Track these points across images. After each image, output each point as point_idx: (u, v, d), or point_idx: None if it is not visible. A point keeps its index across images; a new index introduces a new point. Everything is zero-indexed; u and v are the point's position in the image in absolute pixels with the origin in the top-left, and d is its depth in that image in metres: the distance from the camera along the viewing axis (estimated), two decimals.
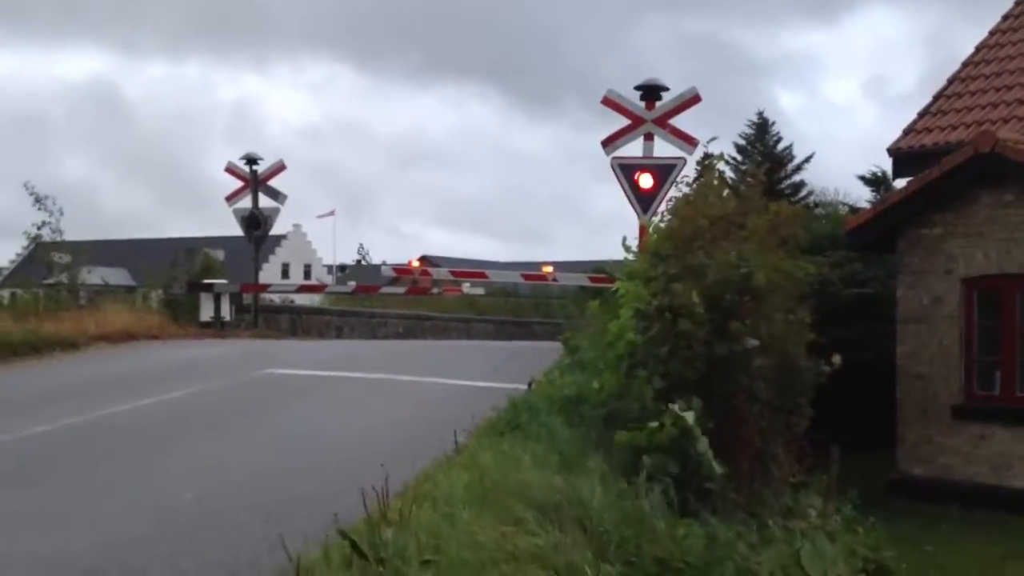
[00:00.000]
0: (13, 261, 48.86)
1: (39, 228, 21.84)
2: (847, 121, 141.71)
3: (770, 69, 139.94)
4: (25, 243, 24.82)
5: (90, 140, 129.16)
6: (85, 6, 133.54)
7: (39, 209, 21.48)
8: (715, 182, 10.16)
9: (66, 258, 22.68)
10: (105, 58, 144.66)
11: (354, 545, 4.47)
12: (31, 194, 21.36)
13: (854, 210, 22.03)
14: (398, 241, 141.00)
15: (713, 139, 12.14)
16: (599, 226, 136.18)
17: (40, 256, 24.23)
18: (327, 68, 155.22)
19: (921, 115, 16.61)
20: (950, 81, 16.93)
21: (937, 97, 16.77)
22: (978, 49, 17.25)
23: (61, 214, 21.71)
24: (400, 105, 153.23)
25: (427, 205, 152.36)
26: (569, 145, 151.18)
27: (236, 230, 24.01)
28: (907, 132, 16.45)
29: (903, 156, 16.25)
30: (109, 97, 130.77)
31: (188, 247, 25.67)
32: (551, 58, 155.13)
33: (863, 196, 28.84)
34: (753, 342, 7.94)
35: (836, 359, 8.79)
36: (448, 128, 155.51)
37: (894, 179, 18.44)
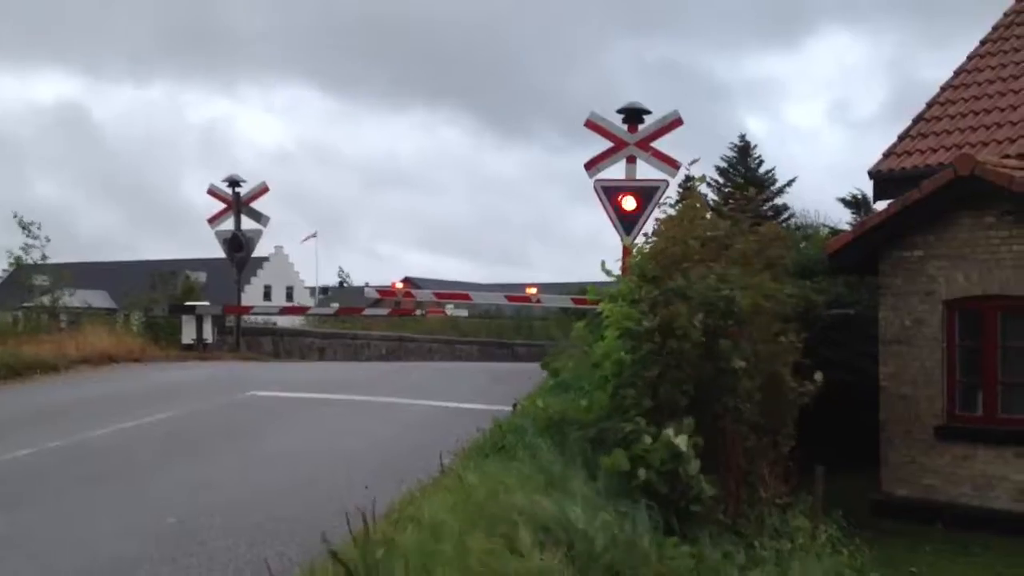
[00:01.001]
0: None
1: (25, 252, 21.78)
2: (812, 145, 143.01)
3: (734, 93, 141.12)
4: (5, 266, 24.69)
5: (60, 163, 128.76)
6: (50, 29, 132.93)
7: (27, 236, 21.46)
8: (699, 204, 10.21)
9: (47, 281, 22.56)
10: (72, 81, 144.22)
11: (345, 568, 4.44)
12: (19, 222, 21.35)
13: (835, 232, 22.16)
14: (376, 263, 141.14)
15: (695, 161, 12.22)
16: (577, 248, 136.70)
17: (21, 279, 24.09)
18: (295, 91, 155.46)
19: (901, 138, 16.74)
20: (929, 105, 17.09)
21: (917, 120, 16.92)
22: (957, 73, 17.43)
23: (47, 240, 21.71)
24: (370, 128, 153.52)
25: (403, 228, 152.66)
26: (542, 168, 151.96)
27: (217, 252, 23.96)
28: (887, 155, 16.58)
29: (884, 179, 16.36)
30: (78, 120, 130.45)
31: (169, 269, 25.56)
32: (518, 82, 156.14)
33: (843, 218, 29.09)
34: (740, 363, 7.96)
35: (818, 376, 8.83)
36: (419, 151, 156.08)
37: (875, 201, 18.54)
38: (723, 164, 34.45)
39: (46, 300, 22.31)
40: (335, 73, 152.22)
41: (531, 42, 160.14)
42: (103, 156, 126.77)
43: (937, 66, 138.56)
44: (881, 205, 16.25)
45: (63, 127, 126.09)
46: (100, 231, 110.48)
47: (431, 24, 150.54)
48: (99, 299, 43.86)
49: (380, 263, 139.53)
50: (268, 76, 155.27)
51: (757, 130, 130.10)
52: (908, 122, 16.98)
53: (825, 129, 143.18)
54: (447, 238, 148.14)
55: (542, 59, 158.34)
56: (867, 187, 21.64)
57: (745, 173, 33.94)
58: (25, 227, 21.40)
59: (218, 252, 23.85)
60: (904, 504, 13.67)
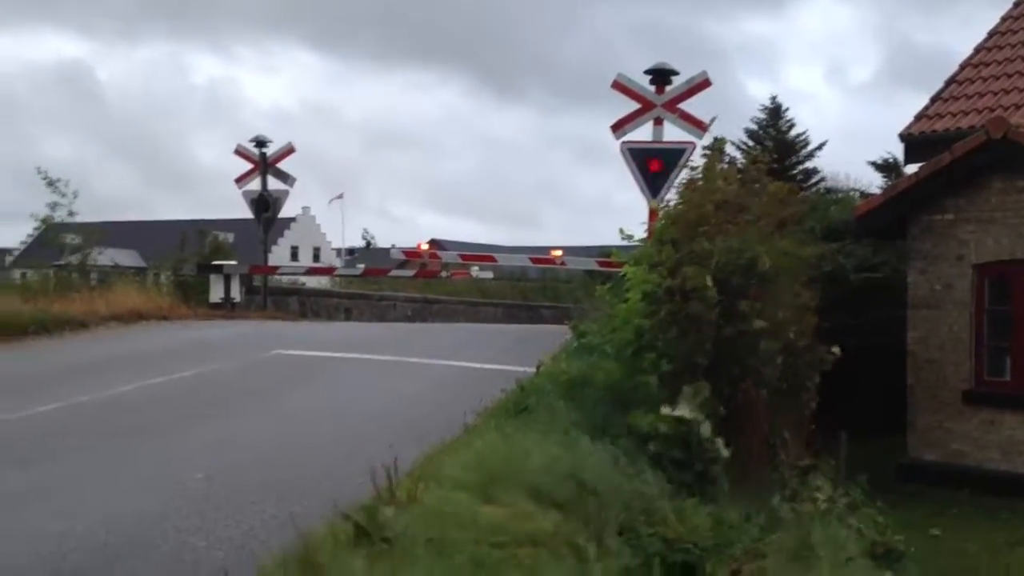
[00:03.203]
0: (24, 242, 49.02)
1: (52, 210, 21.87)
2: (814, 108, 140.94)
3: (728, 56, 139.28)
4: (36, 225, 24.85)
5: (65, 123, 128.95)
6: None
7: (53, 192, 21.51)
8: (721, 167, 10.11)
9: (77, 239, 22.73)
10: (71, 42, 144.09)
11: (357, 526, 4.49)
12: (44, 178, 21.40)
13: (865, 196, 21.93)
14: (390, 224, 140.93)
15: (714, 119, 12.07)
16: (587, 210, 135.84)
17: (51, 238, 24.28)
18: (289, 52, 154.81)
19: (933, 100, 16.52)
20: (962, 67, 16.83)
21: (949, 83, 16.68)
22: (990, 35, 17.13)
23: (75, 196, 21.76)
24: (364, 89, 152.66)
25: (411, 189, 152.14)
26: (542, 129, 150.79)
27: (245, 212, 24.03)
28: (919, 118, 16.37)
29: (915, 141, 16.18)
30: (80, 79, 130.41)
31: (198, 229, 25.66)
32: (507, 42, 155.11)
33: (874, 182, 28.75)
34: (761, 324, 7.92)
35: (836, 349, 8.77)
36: (416, 112, 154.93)
37: (905, 165, 18.34)
38: (753, 127, 34.04)
39: (76, 259, 22.49)
40: (324, 32, 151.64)
41: (517, 2, 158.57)
42: (107, 116, 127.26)
43: (930, 30, 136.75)
44: (912, 168, 16.07)
45: (65, 87, 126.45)
46: (112, 191, 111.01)
47: None
48: (128, 258, 44.29)
49: (394, 224, 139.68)
50: (260, 36, 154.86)
51: (757, 93, 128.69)
52: (904, 86, 16.79)
53: (824, 93, 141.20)
54: (456, 199, 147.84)
55: (530, 20, 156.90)
56: (896, 150, 21.36)
57: (776, 136, 33.51)
58: (52, 183, 21.47)
59: (245, 212, 23.92)
60: (931, 469, 13.64)
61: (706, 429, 6.81)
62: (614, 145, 15.72)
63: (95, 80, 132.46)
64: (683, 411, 6.81)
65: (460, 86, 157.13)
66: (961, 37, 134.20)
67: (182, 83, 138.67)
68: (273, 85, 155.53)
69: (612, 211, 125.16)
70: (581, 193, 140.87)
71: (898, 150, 26.56)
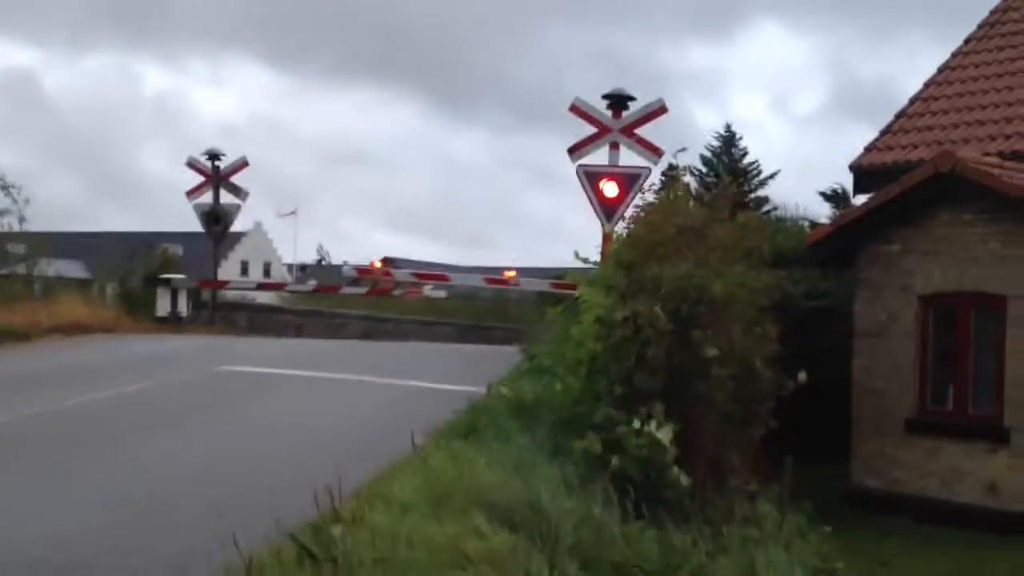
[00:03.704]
0: None
1: (1, 216, 21.48)
2: (760, 137, 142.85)
3: (676, 83, 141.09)
4: None
5: (11, 131, 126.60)
6: None
7: (5, 195, 21.13)
8: (681, 192, 10.21)
9: (22, 249, 22.32)
10: (17, 49, 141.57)
11: (302, 546, 4.44)
12: (1, 183, 21.04)
13: (814, 225, 22.23)
14: (342, 242, 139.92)
15: (682, 150, 12.20)
16: (540, 232, 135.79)
17: None
18: (242, 66, 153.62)
19: (883, 133, 16.79)
20: (912, 100, 17.14)
21: (899, 116, 16.97)
22: (940, 70, 17.48)
23: (27, 203, 21.40)
24: (318, 106, 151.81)
25: (364, 206, 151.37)
26: (495, 149, 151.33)
27: (194, 226, 23.76)
28: (868, 149, 16.62)
29: (864, 173, 16.41)
30: (26, 88, 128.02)
31: (146, 241, 25.34)
32: (461, 63, 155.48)
33: (822, 212, 29.16)
34: (712, 351, 7.98)
35: (802, 375, 8.85)
36: (370, 130, 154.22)
37: (854, 195, 18.59)
38: (707, 154, 34.47)
39: (22, 269, 22.07)
40: (279, 48, 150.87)
41: (471, 24, 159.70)
42: (53, 125, 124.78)
43: (874, 61, 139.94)
44: (861, 199, 16.31)
45: (10, 94, 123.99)
46: (58, 201, 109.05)
47: (367, 1, 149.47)
48: (74, 269, 43.48)
49: (347, 242, 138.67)
50: (212, 49, 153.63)
51: (704, 120, 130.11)
52: (849, 117, 17.12)
53: (769, 121, 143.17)
54: (409, 218, 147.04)
55: (483, 41, 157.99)
56: (845, 181, 21.76)
57: (729, 163, 33.94)
58: (5, 187, 21.10)
59: (194, 226, 23.65)
60: (873, 495, 13.77)
61: (671, 455, 6.84)
62: (567, 168, 15.84)
63: (41, 88, 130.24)
64: (662, 435, 6.83)
65: (415, 106, 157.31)
66: (905, 69, 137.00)
67: (130, 94, 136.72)
68: (224, 98, 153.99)
69: (564, 234, 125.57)
70: (534, 215, 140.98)
71: (847, 180, 26.94)
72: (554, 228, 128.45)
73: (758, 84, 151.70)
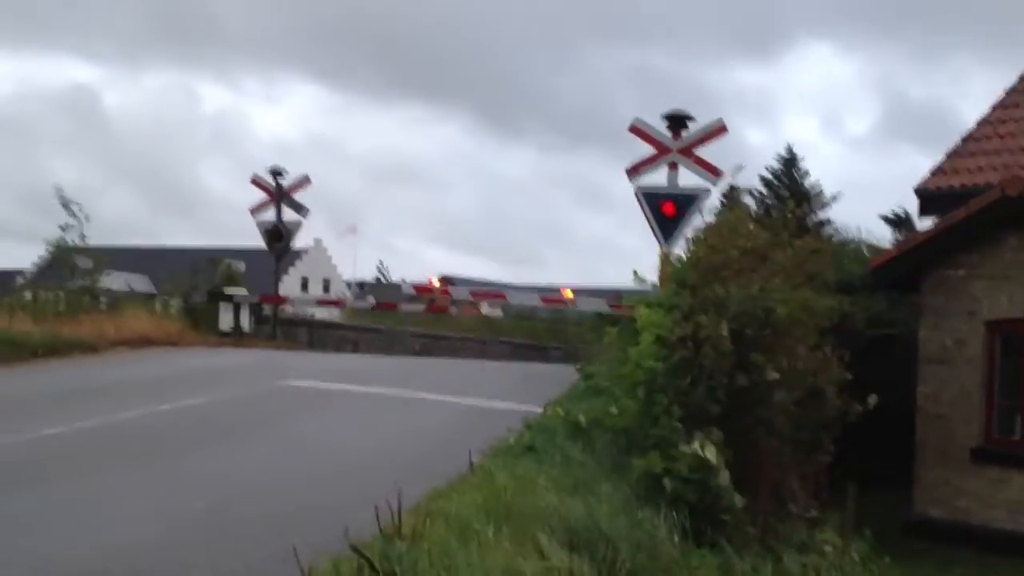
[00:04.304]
0: (35, 264, 49.21)
1: (64, 231, 22.01)
2: (814, 159, 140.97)
3: (725, 103, 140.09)
4: (48, 247, 24.97)
5: (74, 148, 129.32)
6: (51, 17, 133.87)
7: (67, 213, 21.68)
8: (741, 214, 10.13)
9: (88, 263, 22.83)
10: (78, 67, 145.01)
11: (367, 561, 4.44)
12: (60, 199, 21.59)
13: (876, 250, 21.92)
14: (393, 258, 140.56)
15: (741, 168, 12.02)
16: (590, 251, 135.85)
17: (62, 260, 24.36)
18: (293, 84, 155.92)
19: (949, 156, 16.53)
20: (979, 123, 16.86)
21: (966, 139, 16.69)
22: (1008, 92, 17.17)
23: (87, 219, 21.93)
24: (367, 124, 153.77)
25: (414, 224, 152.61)
26: (541, 167, 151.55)
27: (255, 242, 24.12)
28: (934, 172, 16.37)
29: (930, 196, 16.16)
30: (88, 105, 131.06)
31: (209, 257, 25.78)
32: (506, 81, 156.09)
33: (883, 235, 28.76)
34: (774, 375, 7.88)
35: (872, 399, 8.69)
36: (419, 148, 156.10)
37: (920, 218, 18.33)
38: (767, 175, 34.15)
39: (86, 282, 22.57)
40: (328, 67, 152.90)
41: (515, 43, 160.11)
42: (115, 143, 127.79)
43: (924, 84, 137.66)
44: (926, 223, 16.05)
45: (73, 112, 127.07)
46: (117, 216, 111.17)
47: (415, 21, 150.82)
48: (140, 283, 44.37)
49: (397, 258, 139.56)
50: (265, 67, 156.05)
51: (755, 141, 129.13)
52: (901, 139, 16.84)
53: (820, 142, 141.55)
54: (459, 235, 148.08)
55: (526, 60, 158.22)
56: (908, 205, 21.38)
57: (790, 185, 33.61)
58: (67, 204, 21.65)
59: (255, 242, 24.01)
60: (936, 525, 13.47)
61: (724, 478, 6.76)
62: (615, 188, 15.98)
63: (102, 106, 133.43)
64: (709, 454, 6.76)
65: (459, 124, 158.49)
66: (954, 91, 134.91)
67: (187, 111, 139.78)
68: (277, 116, 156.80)
69: (614, 253, 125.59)
70: (582, 234, 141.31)
71: (904, 203, 26.57)
72: (603, 248, 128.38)
73: (807, 105, 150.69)
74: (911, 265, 14.31)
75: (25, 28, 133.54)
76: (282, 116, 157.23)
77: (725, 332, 7.68)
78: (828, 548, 7.59)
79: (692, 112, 15.78)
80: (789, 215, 10.10)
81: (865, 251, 21.49)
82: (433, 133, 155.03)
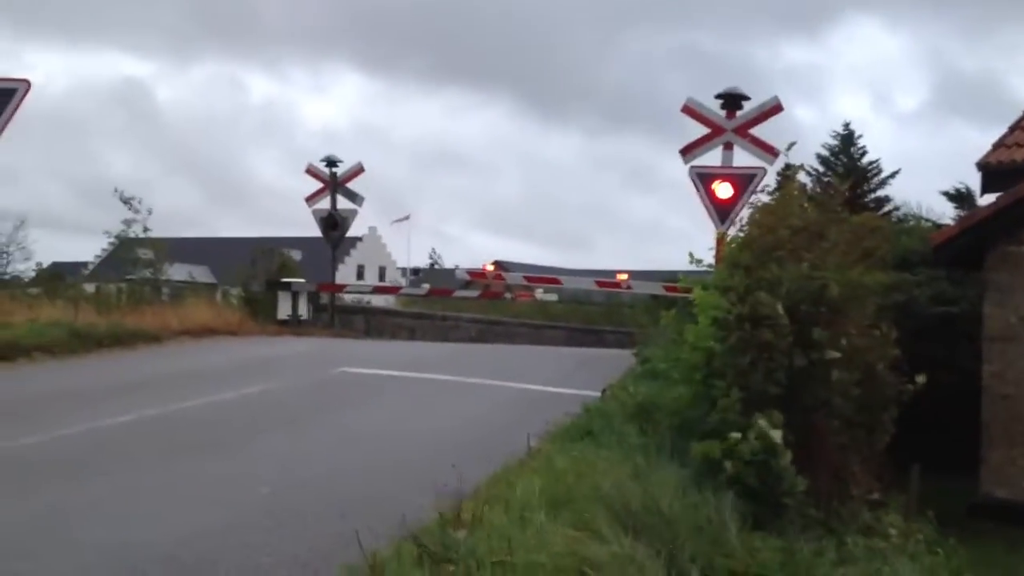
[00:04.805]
0: (98, 256, 50.36)
1: (127, 226, 22.51)
2: (866, 136, 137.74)
3: (773, 81, 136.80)
4: (110, 239, 25.53)
5: (127, 141, 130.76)
6: (101, 12, 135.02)
7: (128, 209, 22.18)
8: (796, 192, 9.97)
9: (150, 254, 23.29)
10: (129, 62, 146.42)
11: (423, 547, 4.48)
12: (120, 197, 22.12)
13: (937, 226, 21.50)
14: (444, 244, 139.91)
15: (793, 144, 11.83)
16: (638, 234, 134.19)
17: (124, 252, 24.86)
18: (338, 73, 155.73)
19: (1012, 129, 16.15)
20: None
21: None
22: None
23: (149, 213, 22.39)
24: (410, 110, 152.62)
25: (462, 209, 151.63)
26: (587, 151, 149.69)
27: (311, 230, 24.38)
28: (996, 147, 16.00)
29: (993, 171, 15.81)
30: (139, 99, 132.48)
31: (267, 246, 26.14)
32: (550, 64, 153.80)
33: (946, 212, 28.23)
34: (833, 354, 7.77)
35: (921, 378, 8.54)
36: (463, 133, 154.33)
37: (982, 194, 17.92)
38: (824, 153, 33.66)
39: (148, 273, 23.04)
40: (372, 54, 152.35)
41: (558, 26, 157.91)
42: (168, 135, 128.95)
43: (974, 57, 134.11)
44: (988, 198, 15.71)
45: (125, 105, 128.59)
46: (173, 207, 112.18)
47: (457, 6, 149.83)
48: (201, 273, 45.15)
49: (448, 245, 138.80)
50: (310, 56, 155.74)
51: (805, 119, 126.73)
52: (954, 114, 16.45)
53: (871, 119, 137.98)
54: (506, 220, 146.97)
55: (569, 42, 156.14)
56: (970, 181, 20.93)
57: (847, 162, 33.08)
58: (126, 201, 22.14)
59: (311, 231, 24.26)
60: (1003, 506, 13.23)
61: (787, 459, 6.69)
62: (663, 170, 15.91)
63: (153, 99, 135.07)
64: (773, 435, 6.70)
65: (505, 108, 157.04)
66: (1007, 64, 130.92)
67: (236, 103, 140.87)
68: (324, 105, 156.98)
69: (664, 236, 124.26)
70: (632, 217, 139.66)
71: (963, 178, 26.05)
72: (654, 230, 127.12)
73: (857, 82, 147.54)
74: (974, 242, 14.03)
75: (76, 25, 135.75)
76: (328, 105, 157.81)
77: (781, 310, 7.59)
78: (892, 531, 7.48)
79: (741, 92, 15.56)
80: (841, 192, 9.91)
81: (927, 228, 21.13)
82: (478, 119, 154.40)
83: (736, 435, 6.87)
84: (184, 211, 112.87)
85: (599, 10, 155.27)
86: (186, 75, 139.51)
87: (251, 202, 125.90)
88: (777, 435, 6.76)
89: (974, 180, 17.31)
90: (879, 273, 9.21)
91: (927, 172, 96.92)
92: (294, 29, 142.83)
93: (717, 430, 7.21)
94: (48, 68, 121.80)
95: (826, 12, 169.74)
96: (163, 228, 24.23)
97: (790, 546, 5.91)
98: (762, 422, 6.85)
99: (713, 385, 7.74)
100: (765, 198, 10.40)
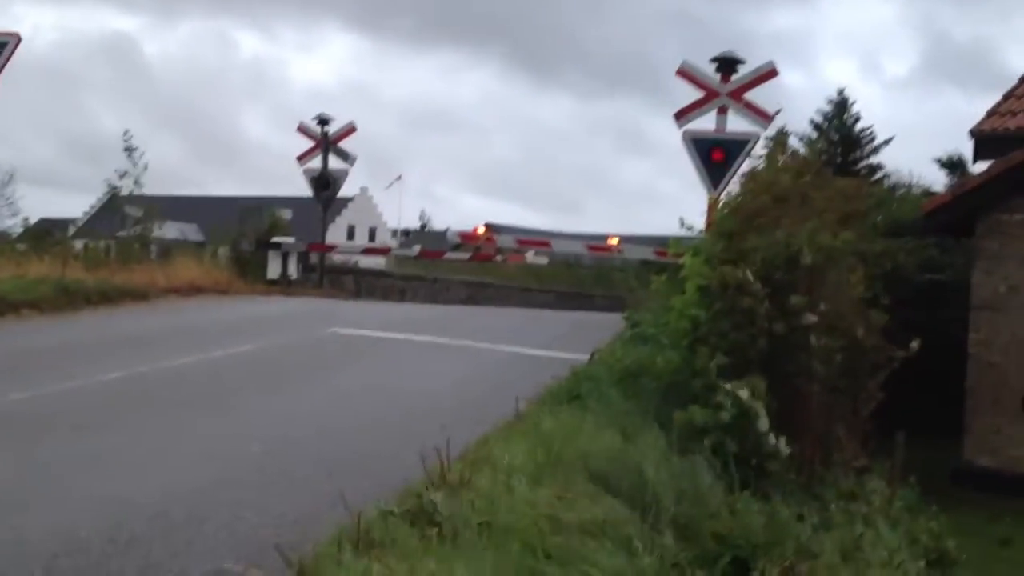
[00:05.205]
0: (87, 212, 50.05)
1: (121, 177, 22.22)
2: (858, 103, 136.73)
3: (763, 46, 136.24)
4: (100, 195, 25.31)
5: (115, 97, 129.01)
6: None
7: (129, 159, 21.85)
8: (780, 159, 9.95)
9: (139, 212, 23.13)
10: (115, 16, 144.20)
11: (409, 509, 4.53)
12: (125, 145, 21.76)
13: (929, 194, 21.51)
14: (433, 205, 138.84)
15: (778, 111, 11.74)
16: (629, 197, 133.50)
17: (114, 208, 24.68)
18: (326, 31, 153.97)
19: (1006, 97, 16.11)
20: None
21: (1023, 79, 16.26)
22: None
23: (145, 168, 22.11)
24: (399, 70, 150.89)
25: (451, 171, 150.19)
26: (579, 114, 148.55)
27: (301, 190, 24.28)
28: (990, 114, 15.96)
29: (986, 139, 15.78)
30: (126, 54, 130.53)
31: (256, 205, 26.05)
32: (540, 25, 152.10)
33: (934, 179, 28.22)
34: (811, 318, 7.79)
35: (914, 344, 8.57)
36: (452, 94, 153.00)
37: (974, 162, 17.91)
38: (818, 119, 33.57)
39: (137, 231, 22.89)
40: (361, 12, 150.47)
41: None
42: (155, 91, 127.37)
43: (967, 24, 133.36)
44: (981, 165, 15.71)
45: (111, 60, 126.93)
46: (161, 164, 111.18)
47: None
48: (190, 232, 44.97)
49: (438, 206, 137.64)
50: (298, 13, 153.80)
51: (793, 84, 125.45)
52: (944, 81, 16.43)
53: (860, 85, 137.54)
54: (497, 182, 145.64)
55: (565, 4, 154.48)
56: (962, 148, 20.93)
57: (840, 129, 33.00)
58: (130, 151, 21.81)
59: (302, 190, 24.17)
60: (986, 474, 13.35)
61: (763, 424, 6.74)
62: (655, 134, 15.94)
63: (142, 54, 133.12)
64: (750, 400, 6.74)
65: (495, 68, 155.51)
66: (1000, 31, 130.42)
67: (224, 60, 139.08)
68: (313, 64, 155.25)
69: (656, 200, 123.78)
70: (623, 181, 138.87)
71: (956, 146, 26.00)
72: (645, 194, 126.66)
73: (847, 47, 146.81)
74: (965, 210, 14.03)
75: None
76: (318, 63, 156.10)
77: (751, 277, 7.62)
78: (875, 497, 7.56)
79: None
80: (815, 162, 9.92)
81: (918, 195, 21.13)
82: (469, 79, 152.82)
83: (717, 400, 6.92)
84: (174, 168, 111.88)
85: None
86: (174, 30, 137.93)
87: (240, 160, 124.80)
88: (753, 401, 6.80)
89: (966, 147, 17.30)
90: (869, 240, 9.23)
91: (917, 139, 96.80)
92: None
93: (700, 396, 7.26)
94: (35, 21, 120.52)
95: None
96: (155, 186, 23.93)
97: (773, 509, 5.98)
98: (739, 389, 6.90)
99: (699, 352, 7.77)
100: (757, 164, 10.39)
